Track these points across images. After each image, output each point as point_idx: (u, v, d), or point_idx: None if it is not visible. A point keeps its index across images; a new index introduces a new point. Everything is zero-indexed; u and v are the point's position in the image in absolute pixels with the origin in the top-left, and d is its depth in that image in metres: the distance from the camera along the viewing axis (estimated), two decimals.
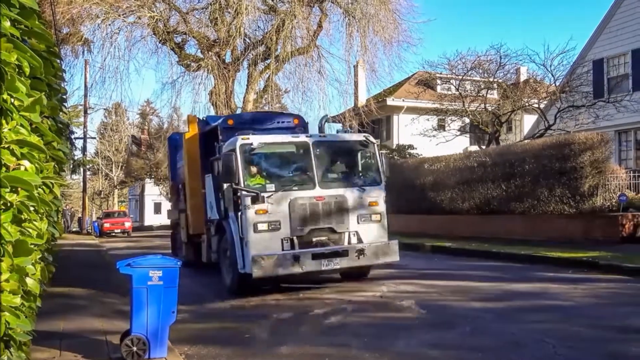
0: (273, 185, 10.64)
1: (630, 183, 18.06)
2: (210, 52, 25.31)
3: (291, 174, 11.35)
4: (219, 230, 12.01)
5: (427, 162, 23.78)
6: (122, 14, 24.23)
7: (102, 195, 66.95)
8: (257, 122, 13.14)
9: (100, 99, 54.67)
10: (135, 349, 6.31)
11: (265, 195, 10.42)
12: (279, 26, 24.42)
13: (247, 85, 26.39)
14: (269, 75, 26.29)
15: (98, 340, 7.33)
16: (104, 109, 51.76)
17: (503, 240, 18.23)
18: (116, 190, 64.03)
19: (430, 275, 11.71)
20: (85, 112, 41.68)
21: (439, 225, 22.43)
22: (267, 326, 8.29)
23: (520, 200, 19.04)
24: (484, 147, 25.92)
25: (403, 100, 33.62)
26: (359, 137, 11.93)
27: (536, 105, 25.68)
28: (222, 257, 11.65)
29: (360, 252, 10.64)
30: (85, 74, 36.15)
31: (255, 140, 10.74)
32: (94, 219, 52.53)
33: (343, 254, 10.58)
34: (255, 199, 10.32)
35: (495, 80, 26.11)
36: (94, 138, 54.17)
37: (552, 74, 24.30)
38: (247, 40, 26.19)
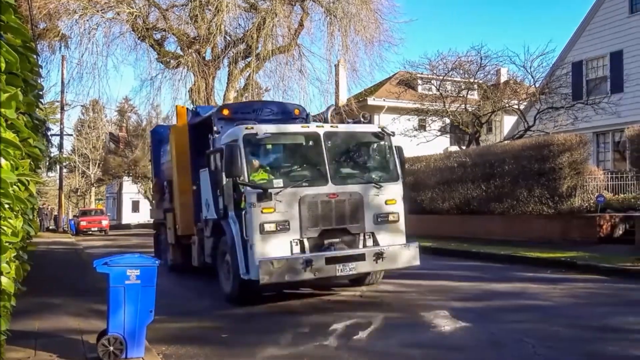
0: (281, 180, 9.49)
1: (608, 184, 18.25)
2: (190, 50, 25.11)
3: (300, 169, 10.21)
4: (215, 231, 10.80)
5: (408, 162, 23.74)
6: (101, 10, 23.93)
7: (78, 193, 66.18)
8: (255, 112, 11.91)
9: (77, 96, 54.23)
10: (112, 348, 6.24)
11: (273, 191, 9.25)
12: (260, 24, 24.30)
13: (227, 83, 26.22)
14: (250, 74, 26.15)
15: (74, 339, 7.23)
16: (82, 106, 51.32)
17: (483, 240, 18.33)
18: (93, 188, 63.28)
19: (410, 275, 11.71)
20: (62, 108, 41.14)
21: (419, 225, 22.46)
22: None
23: (499, 201, 19.16)
24: (464, 147, 26.06)
25: (384, 100, 33.66)
26: (374, 128, 10.85)
27: (516, 107, 25.87)
28: (220, 262, 10.47)
29: (379, 255, 9.53)
30: (62, 70, 35.68)
31: (260, 130, 9.61)
32: (71, 217, 51.90)
33: (359, 257, 9.47)
34: (262, 196, 9.18)
35: (476, 81, 26.27)
36: (71, 135, 53.62)
37: (532, 76, 24.52)
38: (228, 38, 26.03)
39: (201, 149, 11.69)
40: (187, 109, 13.72)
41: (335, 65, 28.83)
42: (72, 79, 26.80)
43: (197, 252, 12.16)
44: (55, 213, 48.40)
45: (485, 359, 6.49)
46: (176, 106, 14.71)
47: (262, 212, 9.17)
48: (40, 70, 7.06)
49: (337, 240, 9.62)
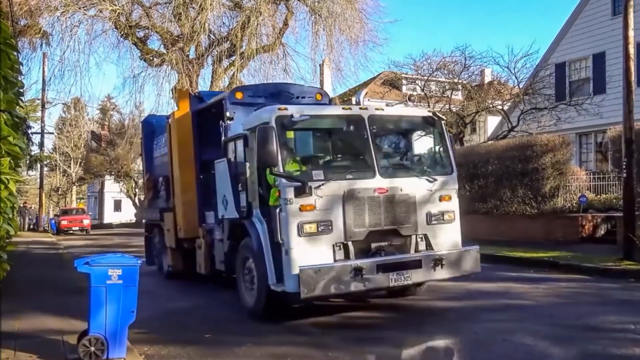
0: (321, 172, 8.04)
1: (590, 184, 18.43)
2: (173, 48, 24.94)
3: (342, 158, 8.99)
4: (234, 233, 9.25)
5: None
6: (83, 7, 23.70)
7: (59, 192, 65.52)
8: (272, 96, 10.37)
9: (58, 94, 53.53)
10: (93, 349, 6.15)
11: (313, 185, 7.78)
12: (244, 23, 24.21)
13: (211, 81, 26.08)
14: (234, 72, 26.05)
15: (54, 340, 7.12)
16: (63, 104, 50.67)
17: (466, 240, 18.34)
18: (74, 187, 62.69)
19: None
20: (43, 106, 40.64)
21: None
22: None
23: (483, 201, 19.24)
24: None
25: (368, 100, 33.60)
26: (425, 112, 9.43)
27: (500, 107, 26.00)
28: (240, 269, 8.99)
29: (438, 262, 8.16)
30: (43, 68, 35.25)
31: (296, 111, 8.09)
32: (51, 216, 51.36)
33: (415, 264, 8.06)
34: (301, 191, 7.69)
35: (460, 81, 26.34)
36: (52, 133, 52.95)
37: (515, 77, 24.63)
38: (212, 36, 25.93)
39: (207, 139, 10.67)
40: (190, 93, 12.27)
41: (319, 65, 28.79)
42: (53, 76, 26.59)
43: (204, 257, 10.77)
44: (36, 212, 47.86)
45: (469, 359, 6.49)
46: (178, 90, 13.13)
47: (300, 209, 7.69)
48: (21, 67, 6.95)
49: (385, 243, 8.18)
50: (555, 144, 17.46)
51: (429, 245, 8.49)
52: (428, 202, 8.56)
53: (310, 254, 7.64)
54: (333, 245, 7.80)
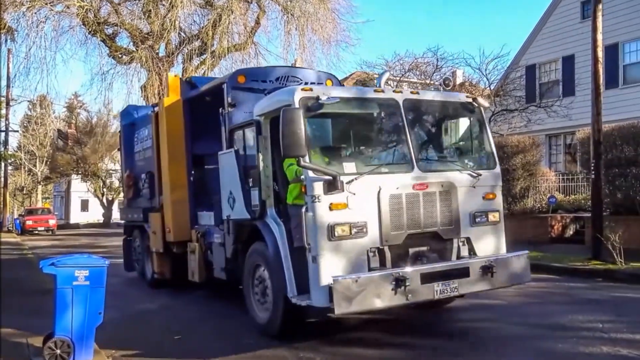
0: (353, 164, 6.93)
1: (559, 185, 18.68)
2: (143, 45, 24.57)
3: (374, 149, 7.80)
4: (242, 236, 8.13)
5: None
6: (49, 2, 23.15)
7: (24, 192, 64.21)
8: (278, 80, 9.32)
9: (24, 91, 52.73)
10: (59, 351, 6.04)
11: (345, 180, 6.65)
12: (216, 21, 23.99)
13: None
14: (205, 71, 25.74)
15: (18, 342, 6.96)
16: (28, 101, 49.61)
17: None
18: (40, 187, 61.51)
19: None
20: (8, 103, 39.76)
21: None
22: None
23: None
24: None
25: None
26: (464, 97, 8.20)
27: None
28: (248, 278, 7.86)
29: (487, 269, 7.00)
30: (7, 64, 34.55)
31: (322, 92, 6.91)
32: (16, 216, 50.31)
33: (462, 273, 6.91)
34: (331, 186, 6.54)
35: (432, 82, 26.47)
36: (17, 131, 51.93)
37: (487, 78, 24.82)
38: (183, 34, 25.61)
39: (199, 131, 9.89)
40: (180, 79, 11.15)
41: (292, 65, 28.68)
42: (18, 73, 26.00)
43: (198, 263, 9.72)
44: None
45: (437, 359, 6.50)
46: (168, 75, 12.10)
47: (330, 208, 6.55)
48: None
49: (424, 248, 7.13)
50: (525, 145, 17.65)
51: (471, 251, 7.44)
52: (471, 201, 7.49)
53: (341, 261, 6.52)
54: (367, 251, 6.69)
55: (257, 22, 25.91)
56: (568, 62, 24.21)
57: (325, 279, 6.30)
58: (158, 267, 11.33)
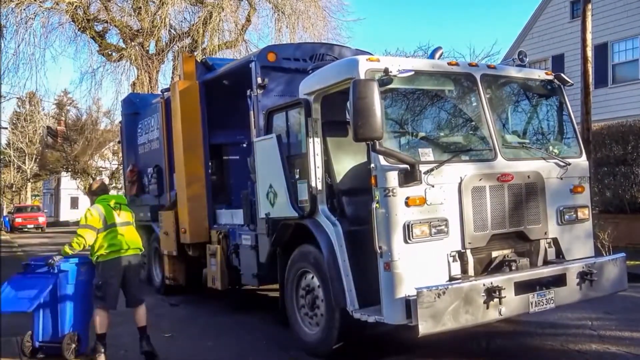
0: (429, 150, 5.87)
1: None
2: (133, 42, 24.49)
3: (449, 133, 6.60)
4: (282, 237, 7.01)
5: None
6: None
7: (13, 189, 63.80)
8: (313, 59, 8.31)
9: (13, 88, 52.07)
10: (74, 346, 6.60)
11: (423, 169, 5.54)
12: (206, 18, 23.91)
13: (172, 77, 25.61)
14: None
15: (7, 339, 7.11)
16: (17, 98, 49.19)
17: None
18: (29, 184, 61.14)
19: None
20: None
21: None
22: None
23: None
24: None
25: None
26: (544, 74, 7.03)
27: None
28: (291, 287, 6.87)
29: (585, 276, 6.02)
30: None
31: (393, 64, 5.69)
32: (5, 213, 49.99)
33: (557, 281, 5.90)
34: (409, 177, 5.43)
35: None
36: (6, 128, 51.64)
37: None
38: (173, 31, 25.52)
39: (216, 118, 8.95)
40: (196, 60, 10.05)
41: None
42: (7, 70, 25.73)
43: (220, 268, 8.68)
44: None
45: (423, 356, 6.50)
46: (183, 55, 10.99)
47: (407, 204, 5.45)
48: None
49: (509, 251, 6.09)
50: None
51: (559, 253, 6.45)
52: (558, 195, 6.44)
53: (419, 268, 5.45)
54: (447, 256, 5.65)
55: (248, 20, 25.86)
56: (558, 62, 24.31)
57: (403, 290, 5.29)
58: (170, 272, 10.31)
